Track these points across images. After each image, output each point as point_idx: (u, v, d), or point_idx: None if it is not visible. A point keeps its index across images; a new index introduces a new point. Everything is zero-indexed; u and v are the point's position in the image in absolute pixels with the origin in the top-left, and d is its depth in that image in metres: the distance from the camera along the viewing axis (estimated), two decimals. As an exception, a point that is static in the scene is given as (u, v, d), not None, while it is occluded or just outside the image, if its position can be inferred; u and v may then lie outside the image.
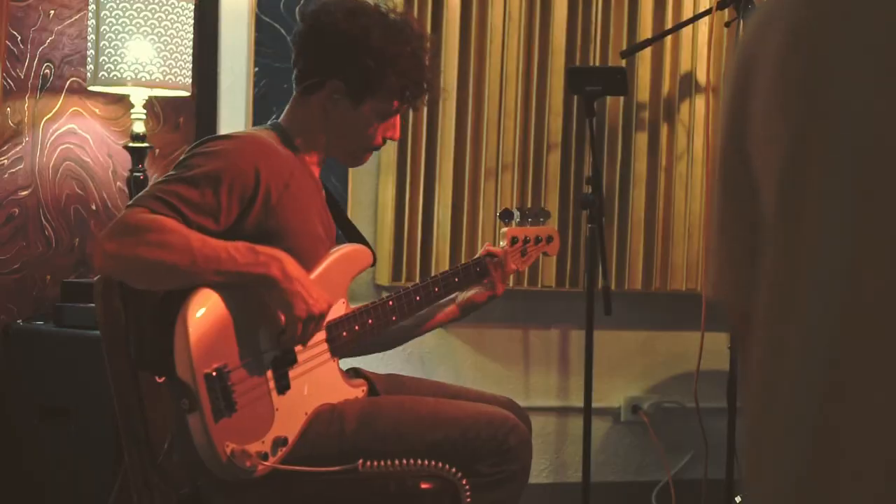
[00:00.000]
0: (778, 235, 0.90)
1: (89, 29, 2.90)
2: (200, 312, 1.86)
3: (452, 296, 2.33)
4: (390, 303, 2.17)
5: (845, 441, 0.82)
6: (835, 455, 0.83)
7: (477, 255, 2.36)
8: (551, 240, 2.47)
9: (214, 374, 1.86)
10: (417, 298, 2.22)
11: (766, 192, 0.92)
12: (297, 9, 2.21)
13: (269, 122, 2.19)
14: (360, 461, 1.97)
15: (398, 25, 2.13)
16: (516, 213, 2.42)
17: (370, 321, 2.13)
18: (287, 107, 2.19)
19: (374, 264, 2.24)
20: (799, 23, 0.92)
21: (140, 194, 1.92)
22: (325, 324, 2.02)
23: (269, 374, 1.96)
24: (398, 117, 2.19)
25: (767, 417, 0.90)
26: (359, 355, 2.35)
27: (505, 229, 2.41)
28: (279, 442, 1.94)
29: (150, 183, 2.21)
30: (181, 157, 2.00)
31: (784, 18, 0.93)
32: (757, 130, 0.94)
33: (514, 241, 2.39)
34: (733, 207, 1.00)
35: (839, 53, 0.87)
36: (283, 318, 1.91)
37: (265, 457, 1.90)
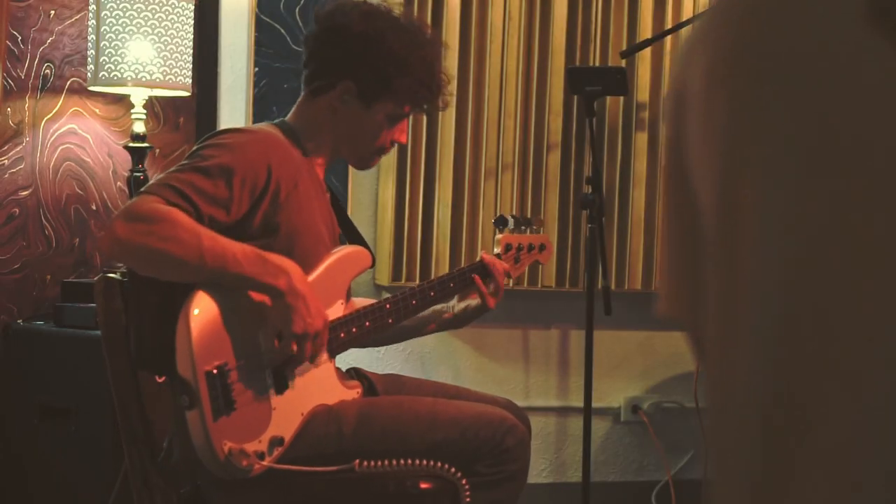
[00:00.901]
0: (719, 254, 0.90)
1: (89, 29, 2.90)
2: (202, 310, 1.86)
3: (450, 303, 2.33)
4: (387, 306, 2.18)
5: (796, 465, 0.83)
6: (785, 477, 0.83)
7: (472, 263, 2.36)
8: (544, 248, 2.51)
9: (215, 371, 1.86)
10: (414, 302, 2.22)
11: (706, 211, 0.93)
12: (313, 9, 2.22)
13: (275, 120, 2.19)
14: (357, 461, 1.97)
15: (413, 30, 2.16)
16: (511, 220, 2.45)
17: (367, 323, 2.14)
18: (294, 107, 2.20)
19: (373, 266, 2.24)
20: (724, 44, 0.91)
21: (154, 181, 1.92)
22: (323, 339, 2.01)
23: (268, 373, 1.96)
24: (406, 121, 2.21)
25: (721, 442, 0.91)
26: (359, 347, 2.35)
27: (499, 236, 2.44)
28: (276, 441, 1.94)
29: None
30: (194, 148, 2.01)
31: (710, 40, 0.93)
32: (693, 152, 0.94)
33: (507, 248, 2.43)
34: (679, 227, 1.00)
35: (768, 71, 0.87)
36: (279, 329, 1.91)
37: (262, 456, 1.90)
